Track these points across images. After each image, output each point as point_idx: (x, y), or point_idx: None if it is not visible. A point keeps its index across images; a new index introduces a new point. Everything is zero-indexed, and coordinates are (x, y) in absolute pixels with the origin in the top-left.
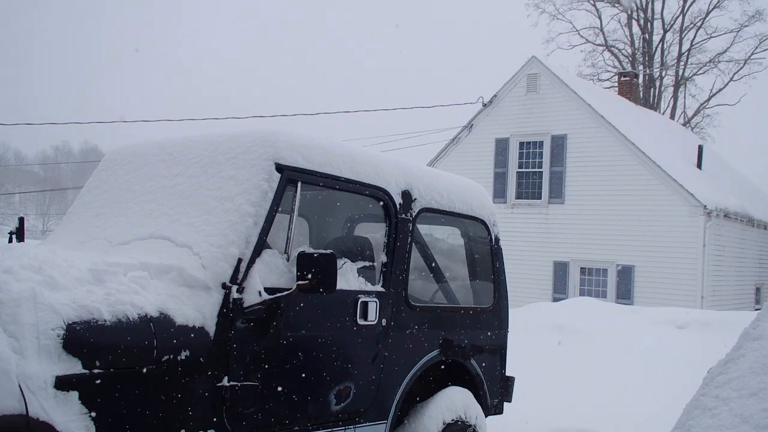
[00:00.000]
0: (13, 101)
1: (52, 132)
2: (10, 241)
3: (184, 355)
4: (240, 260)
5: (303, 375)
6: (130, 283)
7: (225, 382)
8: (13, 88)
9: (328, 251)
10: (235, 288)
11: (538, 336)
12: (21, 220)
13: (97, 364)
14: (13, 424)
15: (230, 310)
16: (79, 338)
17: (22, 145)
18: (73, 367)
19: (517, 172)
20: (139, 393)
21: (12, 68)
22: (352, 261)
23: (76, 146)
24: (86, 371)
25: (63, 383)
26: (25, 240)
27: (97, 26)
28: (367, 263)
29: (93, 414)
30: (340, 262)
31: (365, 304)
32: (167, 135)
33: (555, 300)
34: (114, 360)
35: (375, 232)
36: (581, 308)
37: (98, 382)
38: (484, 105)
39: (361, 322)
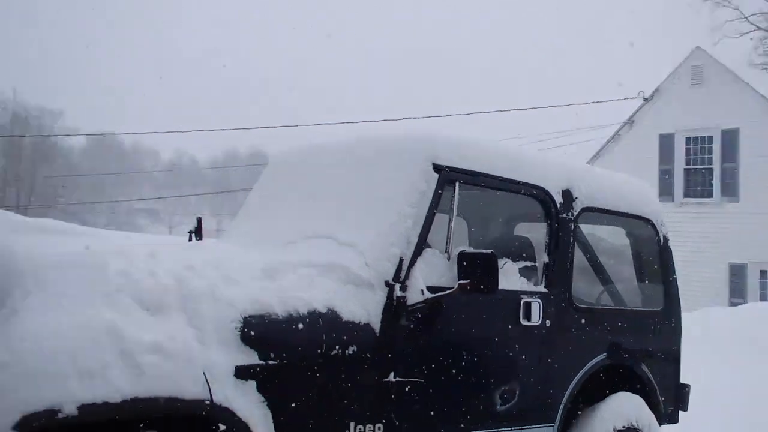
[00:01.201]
0: (188, 110)
1: (223, 137)
2: (190, 239)
3: (351, 350)
4: (401, 259)
5: (467, 374)
6: (299, 281)
7: (391, 377)
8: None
9: (489, 251)
10: (398, 286)
11: (713, 347)
12: (199, 220)
13: (272, 355)
14: (199, 409)
15: (394, 307)
16: (255, 331)
17: (196, 150)
18: (251, 357)
19: (684, 169)
20: (310, 385)
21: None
22: (513, 261)
23: (243, 150)
24: (262, 362)
25: (242, 373)
26: (203, 238)
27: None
28: (528, 263)
29: (269, 403)
30: (501, 261)
31: (528, 305)
32: (327, 138)
33: (732, 305)
34: (286, 352)
35: (535, 232)
36: (763, 315)
37: (273, 372)
38: (645, 100)
39: (524, 322)
